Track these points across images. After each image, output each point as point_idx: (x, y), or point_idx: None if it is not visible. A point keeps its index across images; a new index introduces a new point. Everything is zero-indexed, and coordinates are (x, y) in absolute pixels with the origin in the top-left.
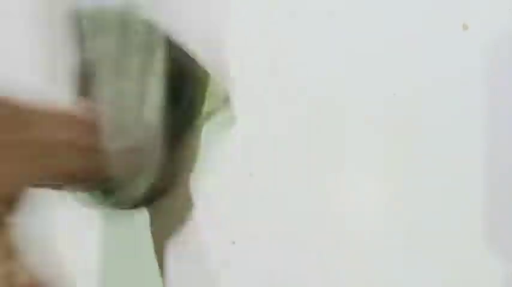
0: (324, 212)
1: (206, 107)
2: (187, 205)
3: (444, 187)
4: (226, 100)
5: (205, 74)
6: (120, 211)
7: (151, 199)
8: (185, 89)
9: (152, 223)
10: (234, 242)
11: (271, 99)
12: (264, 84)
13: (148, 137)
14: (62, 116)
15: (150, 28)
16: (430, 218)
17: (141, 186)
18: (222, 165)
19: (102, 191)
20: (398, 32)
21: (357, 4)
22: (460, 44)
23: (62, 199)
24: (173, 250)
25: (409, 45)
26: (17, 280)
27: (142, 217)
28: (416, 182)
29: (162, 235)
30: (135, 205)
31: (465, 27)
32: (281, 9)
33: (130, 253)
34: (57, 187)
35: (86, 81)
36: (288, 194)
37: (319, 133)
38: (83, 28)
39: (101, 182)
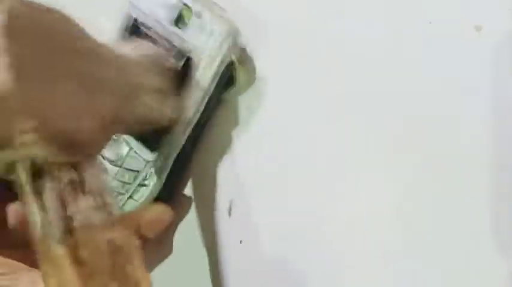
0: (331, 211)
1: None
2: None
3: (451, 187)
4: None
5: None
6: None
7: None
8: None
9: None
10: (241, 241)
11: (276, 99)
12: (271, 83)
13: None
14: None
15: None
16: (436, 218)
17: None
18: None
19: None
20: (406, 33)
21: (364, 3)
22: (472, 47)
23: None
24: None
25: (417, 45)
26: None
27: None
28: (421, 182)
29: None
30: None
31: (478, 28)
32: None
33: None
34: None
35: None
36: (294, 193)
37: (325, 133)
38: None
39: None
